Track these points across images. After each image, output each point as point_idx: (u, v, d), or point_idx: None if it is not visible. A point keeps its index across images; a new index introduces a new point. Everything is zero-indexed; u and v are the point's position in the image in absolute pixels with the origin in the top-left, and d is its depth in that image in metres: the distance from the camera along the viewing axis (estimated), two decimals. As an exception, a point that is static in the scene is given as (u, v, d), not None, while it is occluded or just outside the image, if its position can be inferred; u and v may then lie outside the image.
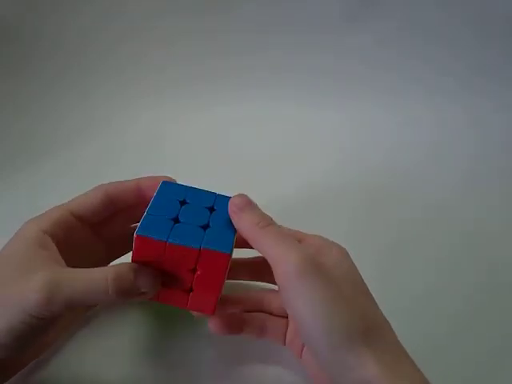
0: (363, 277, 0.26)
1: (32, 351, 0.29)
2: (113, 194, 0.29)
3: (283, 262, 0.24)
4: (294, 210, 0.34)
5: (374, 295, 0.26)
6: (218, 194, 0.29)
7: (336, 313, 0.23)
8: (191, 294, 0.27)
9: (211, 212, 0.28)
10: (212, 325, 0.29)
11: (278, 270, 0.24)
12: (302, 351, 0.29)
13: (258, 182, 0.38)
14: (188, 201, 0.28)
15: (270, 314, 0.31)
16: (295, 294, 0.23)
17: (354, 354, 0.22)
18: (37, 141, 0.52)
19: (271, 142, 0.53)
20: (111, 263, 0.32)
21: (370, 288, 0.26)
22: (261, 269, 0.30)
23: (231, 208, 0.27)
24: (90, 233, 0.29)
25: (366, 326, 0.23)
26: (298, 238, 0.27)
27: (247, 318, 0.30)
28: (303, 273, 0.23)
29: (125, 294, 0.24)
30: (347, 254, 0.27)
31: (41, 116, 0.54)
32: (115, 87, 0.57)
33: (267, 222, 0.26)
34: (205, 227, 0.26)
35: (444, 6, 0.53)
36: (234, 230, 0.27)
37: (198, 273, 0.26)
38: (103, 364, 0.30)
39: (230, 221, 0.27)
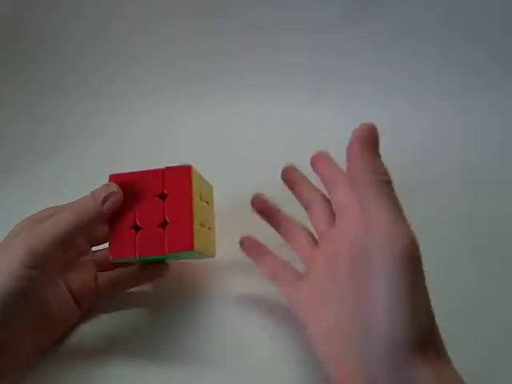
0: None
1: (31, 348, 0.29)
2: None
3: (390, 237, 0.21)
4: (293, 210, 0.34)
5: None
6: None
7: (415, 311, 0.21)
8: (166, 228, 0.28)
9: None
10: (243, 240, 0.34)
11: (382, 241, 0.21)
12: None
13: (258, 182, 0.38)
14: None
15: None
16: (387, 276, 0.21)
17: (415, 363, 0.21)
18: (37, 141, 0.52)
19: (271, 142, 0.53)
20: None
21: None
22: None
23: (354, 136, 0.25)
24: None
25: (432, 339, 0.22)
26: None
27: (268, 252, 0.33)
28: (408, 260, 0.21)
29: (91, 208, 0.27)
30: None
31: (41, 117, 0.54)
32: (115, 87, 0.57)
33: (388, 177, 0.24)
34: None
35: (444, 6, 0.53)
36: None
37: (167, 197, 0.29)
38: (100, 361, 0.30)
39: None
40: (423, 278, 0.22)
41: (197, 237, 0.28)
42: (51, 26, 0.54)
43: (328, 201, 0.32)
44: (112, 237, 0.29)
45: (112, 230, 0.29)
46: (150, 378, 0.29)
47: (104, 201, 0.28)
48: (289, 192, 0.42)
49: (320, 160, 0.33)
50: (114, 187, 0.29)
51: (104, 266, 0.34)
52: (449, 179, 0.50)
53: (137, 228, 0.29)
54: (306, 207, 0.33)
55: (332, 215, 0.31)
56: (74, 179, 0.46)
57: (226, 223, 0.38)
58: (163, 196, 0.29)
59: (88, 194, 0.32)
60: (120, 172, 0.31)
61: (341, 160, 0.52)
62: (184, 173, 0.29)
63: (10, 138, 0.52)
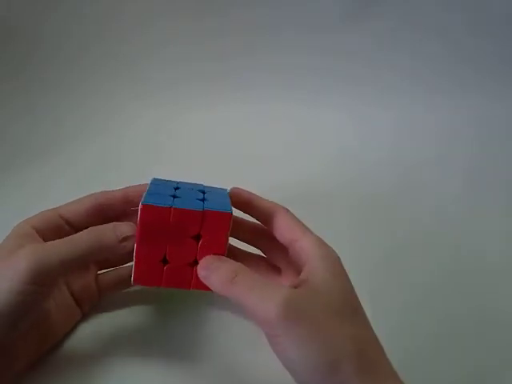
0: (360, 278, 0.26)
1: (32, 349, 0.29)
2: (100, 201, 0.31)
3: (260, 314, 0.24)
4: (293, 210, 0.34)
5: (371, 296, 0.26)
6: (205, 185, 0.33)
7: (321, 351, 0.23)
8: (195, 268, 0.28)
9: (203, 193, 0.30)
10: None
11: (257, 319, 0.24)
12: None
13: (258, 182, 0.38)
14: (180, 187, 0.31)
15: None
16: (278, 338, 0.23)
17: None
18: (36, 141, 0.52)
19: (271, 142, 0.53)
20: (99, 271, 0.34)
21: (367, 288, 0.26)
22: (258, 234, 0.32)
23: (200, 274, 0.27)
24: None
25: (354, 357, 0.23)
26: (294, 238, 0.28)
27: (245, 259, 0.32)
28: (282, 320, 0.23)
29: (106, 243, 0.26)
30: (340, 265, 0.26)
31: (41, 116, 0.54)
32: (115, 87, 0.57)
33: (235, 272, 0.26)
34: (202, 200, 0.29)
35: (444, 5, 0.53)
36: (229, 199, 0.30)
37: (202, 239, 0.27)
38: (100, 361, 0.30)
39: (223, 194, 0.30)
40: (315, 322, 0.23)
41: None
42: (51, 26, 0.54)
43: None
44: (138, 263, 0.27)
45: (139, 257, 0.27)
46: (150, 377, 0.29)
47: (124, 239, 0.26)
48: (288, 192, 0.42)
49: (240, 197, 0.33)
50: (134, 228, 0.27)
51: (104, 264, 0.34)
52: (449, 179, 0.50)
53: (164, 260, 0.28)
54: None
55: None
56: (74, 179, 0.46)
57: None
58: (197, 236, 0.28)
59: (85, 196, 0.32)
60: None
61: (341, 159, 0.52)
62: (223, 219, 0.27)
63: (9, 138, 0.52)
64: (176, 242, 0.27)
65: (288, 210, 0.31)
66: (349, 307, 0.25)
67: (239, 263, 0.27)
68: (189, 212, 0.27)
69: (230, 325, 0.33)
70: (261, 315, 0.24)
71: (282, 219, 0.30)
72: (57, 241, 0.26)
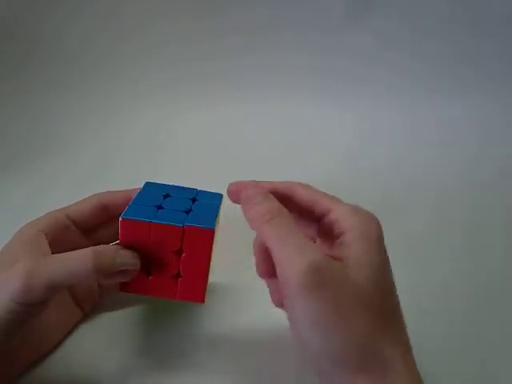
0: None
1: (31, 351, 0.29)
2: (105, 202, 0.30)
3: (286, 268, 0.22)
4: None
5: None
6: (200, 190, 0.31)
7: (334, 332, 0.21)
8: (179, 280, 0.27)
9: (193, 202, 0.29)
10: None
11: (281, 275, 0.22)
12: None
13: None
14: (171, 194, 0.29)
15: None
16: (296, 304, 0.22)
17: (345, 375, 0.21)
18: (36, 140, 0.52)
19: (271, 142, 0.53)
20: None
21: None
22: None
23: (242, 206, 0.26)
24: (82, 237, 0.30)
25: (362, 350, 0.21)
26: (326, 208, 0.25)
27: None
28: (306, 285, 0.21)
29: (104, 271, 0.25)
30: (378, 241, 0.24)
31: (40, 116, 0.54)
32: (115, 87, 0.57)
33: (271, 215, 0.24)
34: (187, 212, 0.27)
35: (444, 5, 0.53)
36: (217, 211, 0.28)
37: (184, 254, 0.27)
38: (100, 361, 0.30)
39: (212, 206, 0.29)
40: (335, 301, 0.21)
41: (207, 287, 0.28)
42: (51, 26, 0.54)
43: None
44: None
45: None
46: (150, 378, 0.29)
47: (122, 271, 0.25)
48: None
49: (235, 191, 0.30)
50: (138, 263, 0.26)
51: None
52: (449, 178, 0.50)
53: (149, 272, 0.28)
54: None
55: None
56: (74, 178, 0.46)
57: (226, 223, 0.38)
58: (179, 251, 0.27)
59: (90, 196, 0.31)
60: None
61: (341, 159, 0.52)
62: (205, 236, 0.26)
63: (9, 137, 0.52)
64: (158, 255, 0.27)
65: (306, 184, 0.28)
66: (381, 303, 0.22)
67: (283, 207, 0.25)
68: (168, 228, 0.26)
69: (232, 325, 0.33)
70: (284, 270, 0.22)
71: (303, 193, 0.28)
72: (55, 257, 0.25)
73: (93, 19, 0.54)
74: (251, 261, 0.34)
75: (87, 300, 0.32)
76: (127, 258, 0.26)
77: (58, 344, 0.30)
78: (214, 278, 0.35)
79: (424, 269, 0.39)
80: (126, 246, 0.26)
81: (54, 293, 0.25)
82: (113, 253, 0.25)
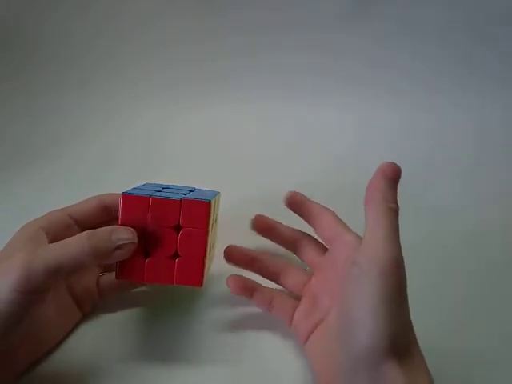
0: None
1: (31, 351, 0.29)
2: (106, 203, 0.31)
3: (382, 250, 0.24)
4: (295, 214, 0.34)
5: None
6: (197, 188, 0.33)
7: (393, 317, 0.23)
8: (177, 261, 0.28)
9: (190, 192, 0.31)
10: (230, 281, 0.31)
11: (369, 255, 0.24)
12: (307, 337, 0.29)
13: (258, 182, 0.38)
14: (170, 187, 0.31)
15: (283, 286, 0.33)
16: (374, 283, 0.24)
17: (388, 367, 0.23)
18: (37, 140, 0.52)
19: (271, 142, 0.53)
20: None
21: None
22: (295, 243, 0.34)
23: (381, 167, 0.27)
24: None
25: (406, 344, 0.24)
26: (338, 234, 0.31)
27: (259, 288, 0.32)
28: (393, 270, 0.24)
29: (100, 249, 0.25)
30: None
31: (40, 116, 0.54)
32: (115, 87, 0.57)
33: (396, 206, 0.26)
34: (185, 194, 0.29)
35: (444, 5, 0.53)
36: (214, 196, 0.30)
37: (182, 230, 0.27)
38: (100, 361, 0.30)
39: (209, 193, 0.31)
40: (404, 296, 0.25)
41: (205, 270, 0.28)
42: (51, 26, 0.54)
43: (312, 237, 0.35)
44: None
45: None
46: (150, 378, 0.29)
47: (118, 247, 0.26)
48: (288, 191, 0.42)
49: (295, 198, 0.35)
50: (135, 237, 0.27)
51: (106, 267, 0.34)
52: (449, 178, 0.50)
53: (146, 253, 0.28)
54: (294, 244, 0.35)
55: (321, 248, 0.33)
56: (74, 178, 0.46)
57: (226, 223, 0.38)
58: (177, 227, 0.28)
59: (92, 197, 0.32)
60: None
61: (341, 160, 0.52)
62: (202, 208, 0.27)
63: (10, 137, 0.52)
64: (156, 233, 0.27)
65: (334, 212, 0.33)
66: (401, 292, 0.25)
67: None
68: (167, 201, 0.27)
69: (231, 325, 0.33)
70: (377, 250, 0.24)
71: (328, 217, 0.33)
72: (52, 244, 0.26)
73: (93, 19, 0.54)
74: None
75: (87, 300, 0.32)
76: (122, 233, 0.26)
77: (58, 344, 0.31)
78: (213, 276, 0.35)
79: (424, 269, 0.39)
80: (126, 223, 0.27)
81: (53, 279, 0.25)
82: (108, 231, 0.26)
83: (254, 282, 0.32)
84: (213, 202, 0.29)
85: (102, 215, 0.31)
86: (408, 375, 0.23)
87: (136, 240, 0.27)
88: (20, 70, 0.55)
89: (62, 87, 0.56)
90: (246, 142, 0.52)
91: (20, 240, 0.27)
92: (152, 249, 0.28)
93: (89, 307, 0.32)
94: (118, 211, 0.28)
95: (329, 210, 0.33)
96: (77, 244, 0.25)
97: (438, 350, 0.31)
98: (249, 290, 0.31)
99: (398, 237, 0.26)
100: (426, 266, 0.39)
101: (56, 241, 0.27)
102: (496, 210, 0.46)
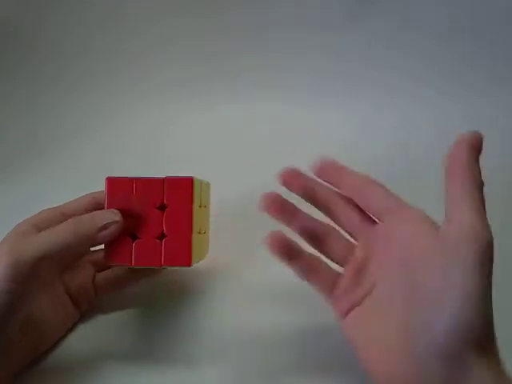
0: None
1: (28, 351, 0.29)
2: (100, 199, 0.31)
3: (480, 234, 0.23)
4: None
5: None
6: None
7: (482, 306, 0.21)
8: (164, 241, 0.28)
9: None
10: (268, 239, 0.27)
11: (466, 232, 0.22)
12: (348, 311, 0.26)
13: (258, 182, 0.38)
14: None
15: (326, 255, 0.29)
16: (464, 266, 0.22)
17: (474, 358, 0.20)
18: (37, 141, 0.52)
19: (271, 142, 0.53)
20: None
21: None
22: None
23: (464, 137, 0.25)
24: None
25: (492, 336, 0.21)
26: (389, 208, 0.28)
27: (300, 250, 0.28)
28: (486, 256, 0.22)
29: (86, 231, 0.26)
30: None
31: (41, 116, 0.54)
32: (115, 87, 0.57)
33: (482, 183, 0.24)
34: None
35: (444, 4, 0.53)
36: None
37: (167, 208, 0.28)
38: (98, 360, 0.30)
39: None
40: (491, 282, 0.23)
41: (194, 250, 0.28)
42: (52, 25, 0.54)
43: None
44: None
45: None
46: (147, 377, 0.29)
47: (103, 228, 0.26)
48: (289, 192, 0.42)
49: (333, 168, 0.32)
50: (118, 216, 0.27)
51: (102, 265, 0.34)
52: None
53: (133, 236, 0.28)
54: (328, 209, 0.30)
55: (366, 218, 0.29)
56: (74, 177, 0.46)
57: (225, 223, 0.38)
58: (162, 207, 0.28)
59: (85, 195, 0.32)
60: (117, 175, 0.29)
61: (340, 159, 0.52)
62: (185, 185, 0.28)
63: (9, 137, 0.52)
64: (142, 214, 0.28)
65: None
66: (490, 278, 0.24)
67: None
68: (150, 181, 0.28)
69: (230, 324, 0.33)
70: (472, 234, 0.23)
71: (378, 189, 0.30)
72: (37, 234, 0.26)
73: (94, 19, 0.54)
74: (251, 260, 0.34)
75: (83, 298, 0.32)
76: (105, 213, 0.27)
77: (55, 343, 0.30)
78: (213, 273, 0.35)
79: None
80: (112, 206, 0.28)
81: (42, 265, 0.25)
82: (92, 214, 0.27)
83: (295, 243, 0.28)
84: (197, 182, 0.29)
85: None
86: (496, 377, 0.20)
87: (119, 219, 0.27)
88: (19, 70, 0.55)
89: (62, 87, 0.56)
90: (245, 142, 0.52)
91: (14, 234, 0.27)
92: (139, 231, 0.28)
93: (85, 305, 0.32)
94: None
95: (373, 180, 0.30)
96: (62, 229, 0.26)
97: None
98: (289, 252, 0.27)
99: (486, 218, 0.24)
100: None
101: None
102: (497, 210, 0.46)
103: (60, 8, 0.53)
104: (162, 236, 0.28)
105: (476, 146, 0.25)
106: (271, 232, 0.27)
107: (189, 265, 0.28)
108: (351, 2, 0.53)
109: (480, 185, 0.24)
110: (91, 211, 0.30)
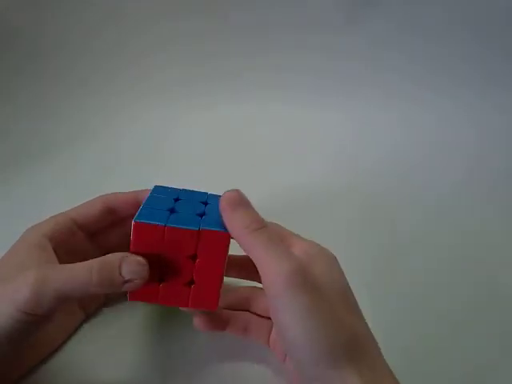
0: (361, 278, 0.26)
1: (33, 353, 0.29)
2: (111, 204, 0.30)
3: (272, 271, 0.23)
4: (292, 210, 0.34)
5: (371, 296, 0.26)
6: (210, 193, 0.30)
7: (321, 326, 0.22)
8: (192, 287, 0.27)
9: (205, 205, 0.28)
10: (197, 321, 0.29)
11: (266, 279, 0.23)
12: (285, 356, 0.28)
13: (258, 182, 0.38)
14: (181, 198, 0.29)
15: (256, 313, 0.30)
16: (282, 303, 0.23)
17: (336, 369, 0.22)
18: (37, 142, 0.52)
19: (271, 142, 0.53)
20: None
21: (367, 289, 0.26)
22: (250, 267, 0.28)
23: (222, 205, 0.25)
24: (88, 241, 0.30)
25: (349, 341, 0.23)
26: (288, 244, 0.27)
27: (231, 317, 0.30)
28: (291, 284, 0.22)
29: (108, 282, 0.24)
30: (337, 262, 0.26)
31: (41, 117, 0.54)
32: (116, 87, 0.57)
33: (258, 224, 0.25)
34: (201, 215, 0.27)
35: (444, 5, 0.53)
36: None
37: (199, 259, 0.26)
38: (103, 364, 0.30)
39: None
40: (322, 295, 0.23)
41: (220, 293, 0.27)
42: (53, 26, 0.54)
43: None
44: None
45: None
46: (152, 380, 0.29)
47: (128, 281, 0.25)
48: (288, 192, 0.42)
49: None
50: (145, 271, 0.25)
51: None
52: (448, 179, 0.50)
53: (161, 279, 0.26)
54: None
55: None
56: (75, 177, 0.46)
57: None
58: (194, 256, 0.26)
59: (96, 198, 0.31)
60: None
61: (341, 160, 0.52)
62: (221, 240, 0.26)
63: (11, 137, 0.52)
64: (171, 261, 0.26)
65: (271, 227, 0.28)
66: (349, 298, 0.25)
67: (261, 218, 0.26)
68: (184, 231, 0.25)
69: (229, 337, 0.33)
70: (270, 272, 0.23)
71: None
72: (61, 268, 0.25)
73: (94, 19, 0.54)
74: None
75: (91, 303, 0.32)
76: (132, 266, 0.25)
77: (60, 346, 0.30)
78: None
79: (424, 268, 0.39)
80: (138, 252, 0.25)
81: (62, 304, 0.24)
82: (118, 262, 0.25)
83: (224, 312, 0.30)
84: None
85: (106, 218, 0.30)
86: (366, 377, 0.22)
87: (146, 274, 0.25)
88: (19, 71, 0.55)
89: (63, 88, 0.56)
90: (246, 142, 0.52)
91: (24, 249, 0.26)
92: (166, 275, 0.26)
93: (92, 309, 0.32)
94: (122, 213, 0.27)
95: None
96: (86, 275, 0.24)
97: (438, 349, 0.31)
98: (221, 324, 0.30)
99: (279, 249, 0.24)
100: (423, 265, 0.39)
101: (59, 247, 0.27)
102: (497, 210, 0.46)
103: (60, 8, 0.53)
104: (190, 282, 0.27)
105: (235, 203, 0.25)
106: (196, 318, 0.29)
107: (215, 309, 0.27)
108: (352, 3, 0.53)
109: (255, 230, 0.24)
110: (103, 218, 0.30)
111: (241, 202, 0.25)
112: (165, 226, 0.25)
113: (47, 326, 0.27)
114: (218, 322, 0.29)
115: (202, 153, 0.51)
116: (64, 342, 0.31)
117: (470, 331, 0.33)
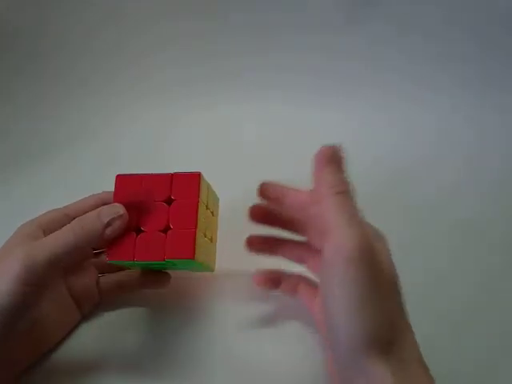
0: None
1: (32, 350, 0.29)
2: (105, 200, 0.31)
3: (342, 236, 0.23)
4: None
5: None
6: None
7: (368, 315, 0.22)
8: (168, 233, 0.28)
9: None
10: (255, 278, 0.32)
11: (334, 243, 0.23)
12: (324, 328, 0.28)
13: (258, 182, 0.38)
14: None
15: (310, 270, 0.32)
16: (339, 273, 0.22)
17: (371, 362, 0.22)
18: (37, 142, 0.52)
19: (271, 142, 0.53)
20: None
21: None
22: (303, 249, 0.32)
23: (317, 157, 0.27)
24: None
25: (390, 336, 0.22)
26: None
27: (284, 277, 0.32)
28: (357, 260, 0.22)
29: (91, 232, 0.26)
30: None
31: (41, 117, 0.54)
32: (116, 87, 0.57)
33: (342, 187, 0.25)
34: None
35: (444, 5, 0.53)
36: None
37: (174, 202, 0.28)
38: (100, 361, 0.30)
39: None
40: (382, 283, 0.23)
41: (198, 246, 0.28)
42: (53, 26, 0.54)
43: None
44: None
45: None
46: (149, 378, 0.29)
47: (108, 224, 0.26)
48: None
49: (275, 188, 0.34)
50: (121, 209, 0.27)
51: (106, 268, 0.34)
52: (448, 179, 0.50)
53: (138, 231, 0.28)
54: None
55: None
56: (75, 177, 0.47)
57: (225, 225, 0.38)
58: (169, 201, 0.28)
59: (89, 196, 0.32)
60: (124, 172, 0.30)
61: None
62: (193, 180, 0.29)
63: (11, 137, 0.52)
64: (149, 208, 0.28)
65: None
66: (398, 285, 0.25)
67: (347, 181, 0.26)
68: (159, 176, 0.29)
69: (233, 327, 0.33)
70: (340, 238, 0.23)
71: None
72: (47, 237, 0.26)
73: (94, 19, 0.54)
74: (252, 258, 0.34)
75: (87, 301, 0.32)
76: (109, 209, 0.27)
77: (57, 344, 0.31)
78: (213, 276, 0.35)
79: (423, 268, 0.39)
80: (119, 201, 0.28)
81: (54, 269, 0.25)
82: (96, 211, 0.27)
83: (278, 271, 0.32)
84: (204, 181, 0.30)
85: None
86: (395, 369, 0.22)
87: (124, 212, 0.27)
88: (19, 71, 0.55)
89: (63, 88, 0.56)
90: (245, 142, 0.52)
91: (18, 237, 0.28)
92: (144, 224, 0.28)
93: (89, 308, 0.33)
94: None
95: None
96: (70, 229, 0.26)
97: (438, 349, 0.31)
98: (275, 282, 0.31)
99: (357, 218, 0.24)
100: (423, 265, 0.39)
101: None
102: (496, 210, 0.46)
103: (60, 8, 0.53)
104: (166, 229, 0.28)
105: (332, 159, 0.27)
106: (255, 274, 0.31)
107: (192, 257, 0.27)
108: (352, 3, 0.53)
109: (342, 193, 0.25)
110: None
111: (334, 158, 0.27)
112: (142, 174, 0.29)
113: (43, 317, 0.27)
114: (272, 281, 0.31)
115: (202, 153, 0.51)
116: (63, 342, 0.31)
117: (470, 331, 0.33)
